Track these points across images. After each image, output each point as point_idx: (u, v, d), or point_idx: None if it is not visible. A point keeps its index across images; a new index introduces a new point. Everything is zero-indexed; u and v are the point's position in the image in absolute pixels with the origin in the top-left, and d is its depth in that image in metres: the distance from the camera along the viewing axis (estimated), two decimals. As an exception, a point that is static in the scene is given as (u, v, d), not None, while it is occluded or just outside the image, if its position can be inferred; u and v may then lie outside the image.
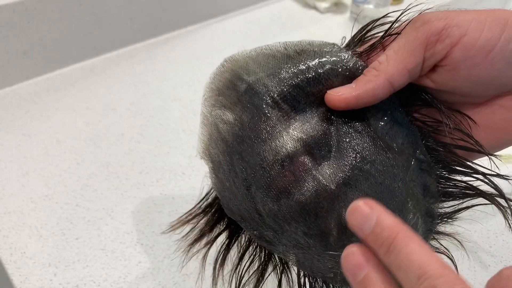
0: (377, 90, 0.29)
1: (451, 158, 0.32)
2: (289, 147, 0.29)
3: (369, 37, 0.32)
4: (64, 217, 0.51)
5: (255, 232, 0.32)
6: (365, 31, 0.32)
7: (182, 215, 0.34)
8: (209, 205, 0.34)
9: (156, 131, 0.62)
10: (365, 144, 0.30)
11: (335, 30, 0.82)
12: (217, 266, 0.33)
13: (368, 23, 0.33)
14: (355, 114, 0.31)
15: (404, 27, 0.30)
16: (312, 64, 0.31)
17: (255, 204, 0.30)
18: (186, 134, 0.62)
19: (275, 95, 0.30)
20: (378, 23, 0.32)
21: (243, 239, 0.33)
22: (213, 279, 0.33)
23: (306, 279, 0.32)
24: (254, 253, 0.33)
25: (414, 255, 0.20)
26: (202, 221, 0.34)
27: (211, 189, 0.33)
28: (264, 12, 0.88)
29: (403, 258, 0.20)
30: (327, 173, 0.29)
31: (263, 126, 0.30)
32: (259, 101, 0.30)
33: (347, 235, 0.30)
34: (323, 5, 0.87)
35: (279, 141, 0.30)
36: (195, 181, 0.55)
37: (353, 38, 0.33)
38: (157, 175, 0.56)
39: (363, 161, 0.30)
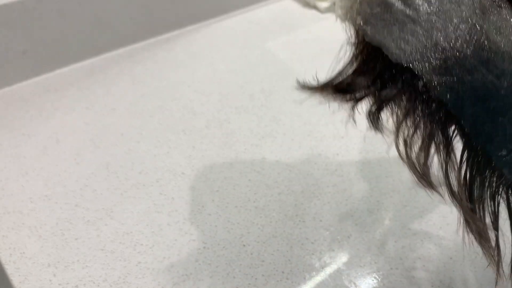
0: None
1: None
2: None
3: None
4: (64, 217, 0.51)
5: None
6: None
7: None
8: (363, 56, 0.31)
9: (155, 131, 0.62)
10: None
11: (336, 30, 0.82)
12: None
13: None
14: None
15: None
16: None
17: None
18: (186, 134, 0.62)
19: None
20: None
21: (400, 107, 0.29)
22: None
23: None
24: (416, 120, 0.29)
25: None
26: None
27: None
28: (264, 12, 0.88)
29: None
30: None
31: None
32: None
33: None
34: (324, 4, 0.87)
35: None
36: (194, 181, 0.55)
37: None
38: (157, 175, 0.56)
39: None
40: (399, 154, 0.31)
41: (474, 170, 0.28)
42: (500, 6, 0.27)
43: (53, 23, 0.69)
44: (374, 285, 0.45)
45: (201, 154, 0.59)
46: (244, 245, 0.48)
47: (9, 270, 0.46)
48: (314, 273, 0.46)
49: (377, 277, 0.46)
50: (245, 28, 0.83)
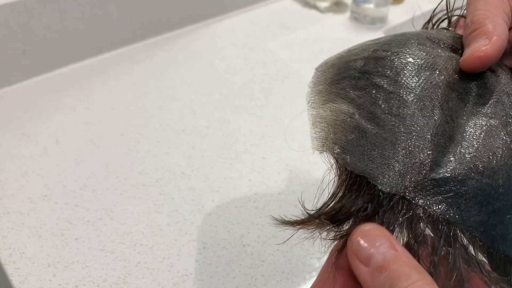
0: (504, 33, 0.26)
1: None
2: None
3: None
4: (63, 217, 0.51)
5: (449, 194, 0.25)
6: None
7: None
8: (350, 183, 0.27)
9: (155, 131, 0.62)
10: None
11: (336, 29, 0.82)
12: None
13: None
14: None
15: None
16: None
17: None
18: (186, 134, 0.62)
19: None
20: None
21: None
22: None
23: None
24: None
25: None
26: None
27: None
28: (264, 12, 0.88)
29: None
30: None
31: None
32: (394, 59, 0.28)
33: None
34: (323, 4, 0.87)
35: None
36: (194, 181, 0.55)
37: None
38: (157, 175, 0.56)
39: None
40: None
41: (502, 275, 0.26)
42: (465, 101, 0.27)
43: (53, 23, 0.69)
44: (374, 285, 0.45)
45: (201, 154, 0.59)
46: (244, 245, 0.48)
47: (9, 270, 0.46)
48: (314, 273, 0.46)
49: (377, 277, 0.46)
50: (245, 28, 0.83)
